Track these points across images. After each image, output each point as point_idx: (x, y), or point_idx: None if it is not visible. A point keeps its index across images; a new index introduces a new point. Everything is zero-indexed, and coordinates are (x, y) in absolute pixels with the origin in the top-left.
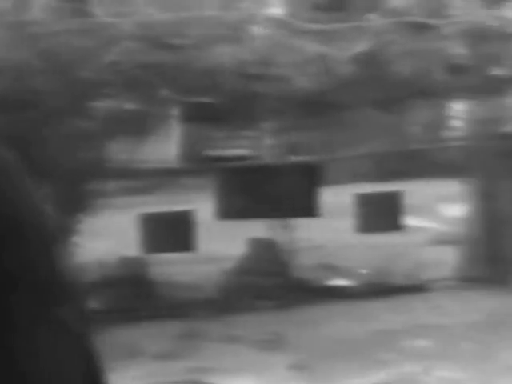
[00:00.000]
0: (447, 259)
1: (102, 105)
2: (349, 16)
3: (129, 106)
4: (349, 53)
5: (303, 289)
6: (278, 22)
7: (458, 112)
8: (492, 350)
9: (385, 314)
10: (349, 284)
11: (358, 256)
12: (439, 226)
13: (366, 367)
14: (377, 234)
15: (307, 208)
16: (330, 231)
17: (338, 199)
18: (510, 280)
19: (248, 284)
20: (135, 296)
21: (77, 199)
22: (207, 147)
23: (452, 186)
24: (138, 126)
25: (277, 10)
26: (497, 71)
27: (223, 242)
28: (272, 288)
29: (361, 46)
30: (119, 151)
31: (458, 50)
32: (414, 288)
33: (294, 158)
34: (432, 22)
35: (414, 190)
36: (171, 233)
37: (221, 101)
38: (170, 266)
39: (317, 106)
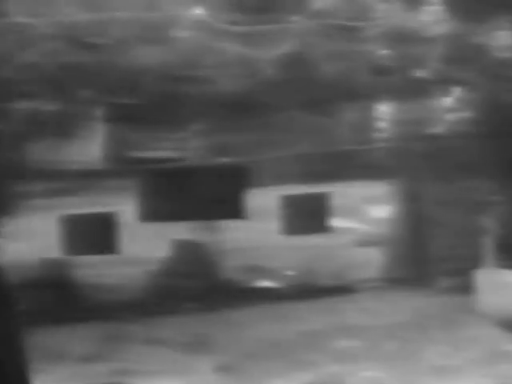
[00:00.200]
0: (373, 260)
1: (23, 106)
2: (273, 18)
3: (50, 106)
4: (273, 54)
5: (229, 290)
6: (201, 24)
7: (384, 114)
8: (417, 350)
9: (311, 315)
10: (275, 285)
11: (285, 258)
12: (365, 227)
13: (292, 368)
14: (303, 236)
15: (234, 210)
16: (256, 233)
17: (265, 201)
18: (434, 280)
19: (172, 286)
20: (58, 298)
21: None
22: (131, 149)
23: (378, 188)
24: (60, 127)
25: (200, 12)
26: (420, 73)
27: (147, 243)
28: (197, 290)
29: (285, 48)
30: (42, 152)
31: (382, 52)
32: (341, 289)
33: (220, 160)
34: (355, 24)
35: (340, 192)
36: (94, 235)
37: (144, 102)
38: (93, 268)
39: (242, 108)
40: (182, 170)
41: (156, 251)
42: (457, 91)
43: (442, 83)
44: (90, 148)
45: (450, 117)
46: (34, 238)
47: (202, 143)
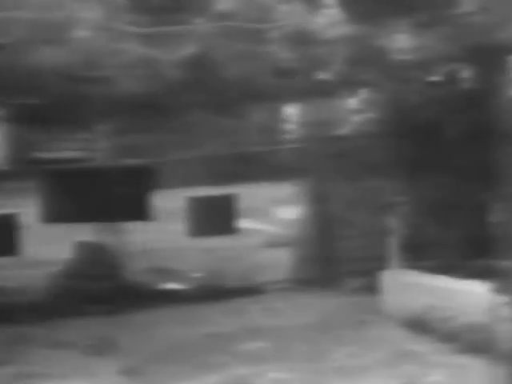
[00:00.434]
0: (281, 261)
1: None
2: (176, 19)
3: None
4: (176, 56)
5: (135, 293)
6: (103, 25)
7: (290, 115)
8: (324, 350)
9: (218, 317)
10: (182, 287)
11: (192, 259)
12: (273, 228)
13: (199, 371)
14: (211, 238)
15: (140, 211)
16: (163, 235)
17: (172, 202)
18: (341, 281)
19: (77, 288)
20: None
21: None
22: (34, 149)
23: (285, 189)
24: None
25: (102, 13)
26: (323, 75)
27: (50, 245)
28: (102, 292)
29: (188, 50)
30: None
31: (285, 54)
32: (248, 290)
33: (126, 161)
34: (258, 26)
35: (248, 193)
36: None
37: (46, 102)
38: None
39: (147, 109)
40: (87, 171)
41: (59, 253)
42: (362, 93)
43: (346, 85)
44: None
45: (356, 118)
46: None
47: (108, 144)
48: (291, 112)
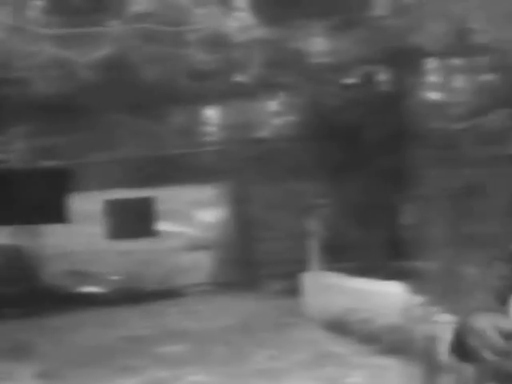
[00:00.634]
0: (201, 264)
1: None
2: (91, 21)
3: None
4: (90, 57)
5: (52, 296)
6: (15, 27)
7: (210, 118)
8: (245, 353)
9: (137, 321)
10: (100, 291)
11: (110, 262)
12: (193, 231)
13: (118, 374)
14: (130, 240)
15: (57, 214)
16: (80, 238)
17: (90, 205)
18: (263, 284)
19: None
20: None
21: None
22: None
23: (206, 191)
24: None
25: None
26: (241, 77)
27: None
28: (18, 295)
29: (104, 51)
30: None
31: (202, 57)
32: (168, 293)
33: (43, 163)
34: (175, 28)
35: (167, 196)
36: None
37: None
38: None
39: (62, 111)
40: (2, 173)
41: None
42: (282, 95)
43: (265, 87)
44: None
45: (276, 120)
46: None
47: (24, 146)
48: (211, 114)
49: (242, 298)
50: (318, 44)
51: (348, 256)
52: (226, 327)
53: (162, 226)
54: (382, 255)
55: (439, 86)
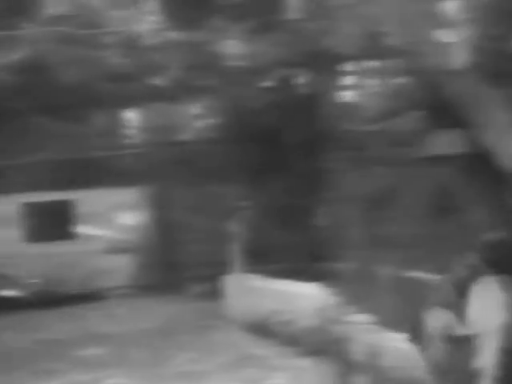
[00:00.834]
0: (122, 267)
1: None
2: (5, 24)
3: None
4: (4, 60)
5: None
6: None
7: (131, 120)
8: (166, 356)
9: (56, 324)
10: (18, 294)
11: (28, 265)
12: (113, 234)
13: (36, 377)
14: (48, 243)
15: None
16: None
17: (7, 208)
18: (184, 287)
19: None
20: None
21: None
22: None
23: (126, 194)
24: None
25: None
26: (159, 80)
27: None
28: None
29: (19, 54)
30: None
31: (118, 60)
32: (87, 296)
33: None
34: (90, 31)
35: (88, 199)
36: None
37: None
38: None
39: None
40: None
41: None
42: (202, 98)
43: (184, 90)
44: None
45: (197, 123)
46: None
47: None
48: (131, 117)
49: (163, 300)
50: (235, 47)
51: (270, 258)
52: (146, 330)
53: (83, 228)
54: (303, 257)
55: (354, 88)
